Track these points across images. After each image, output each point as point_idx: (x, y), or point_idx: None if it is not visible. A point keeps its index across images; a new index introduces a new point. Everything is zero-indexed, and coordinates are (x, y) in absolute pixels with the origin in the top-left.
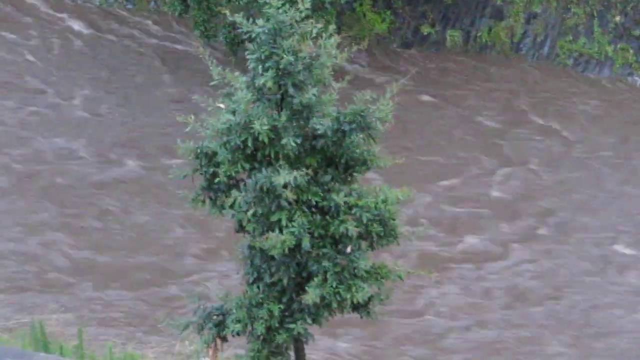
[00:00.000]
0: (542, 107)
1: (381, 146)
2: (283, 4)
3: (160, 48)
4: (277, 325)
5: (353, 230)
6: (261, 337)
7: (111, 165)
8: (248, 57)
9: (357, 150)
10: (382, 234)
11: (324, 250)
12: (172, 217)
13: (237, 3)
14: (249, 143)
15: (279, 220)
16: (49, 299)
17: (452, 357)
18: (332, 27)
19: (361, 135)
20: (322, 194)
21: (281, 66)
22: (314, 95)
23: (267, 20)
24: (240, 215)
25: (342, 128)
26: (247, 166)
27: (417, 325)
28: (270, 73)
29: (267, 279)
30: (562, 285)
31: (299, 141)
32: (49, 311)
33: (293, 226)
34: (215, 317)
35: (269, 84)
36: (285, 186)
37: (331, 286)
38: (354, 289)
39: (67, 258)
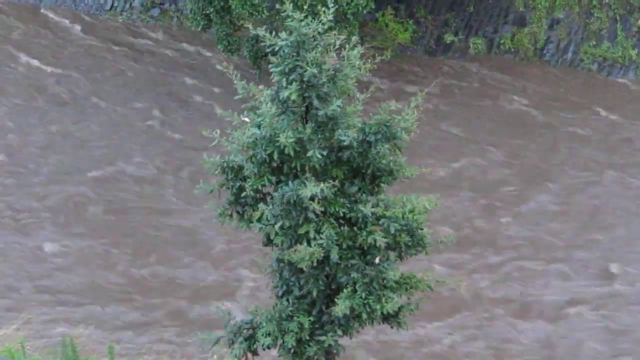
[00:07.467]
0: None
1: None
2: (305, 17)
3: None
4: (307, 337)
5: (381, 240)
6: (292, 350)
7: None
8: (272, 70)
9: (383, 161)
10: (410, 243)
11: (353, 261)
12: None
13: (259, 17)
14: (275, 156)
15: (307, 233)
16: (79, 315)
17: None
18: (354, 38)
19: (387, 146)
20: (349, 206)
21: (305, 78)
22: (338, 106)
23: (290, 33)
24: (268, 229)
25: (368, 139)
26: (274, 179)
27: None
28: (294, 86)
29: (297, 292)
30: None
31: (324, 153)
32: (80, 328)
33: (321, 238)
34: (245, 331)
35: (294, 96)
36: (312, 198)
37: (361, 297)
38: (383, 299)
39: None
